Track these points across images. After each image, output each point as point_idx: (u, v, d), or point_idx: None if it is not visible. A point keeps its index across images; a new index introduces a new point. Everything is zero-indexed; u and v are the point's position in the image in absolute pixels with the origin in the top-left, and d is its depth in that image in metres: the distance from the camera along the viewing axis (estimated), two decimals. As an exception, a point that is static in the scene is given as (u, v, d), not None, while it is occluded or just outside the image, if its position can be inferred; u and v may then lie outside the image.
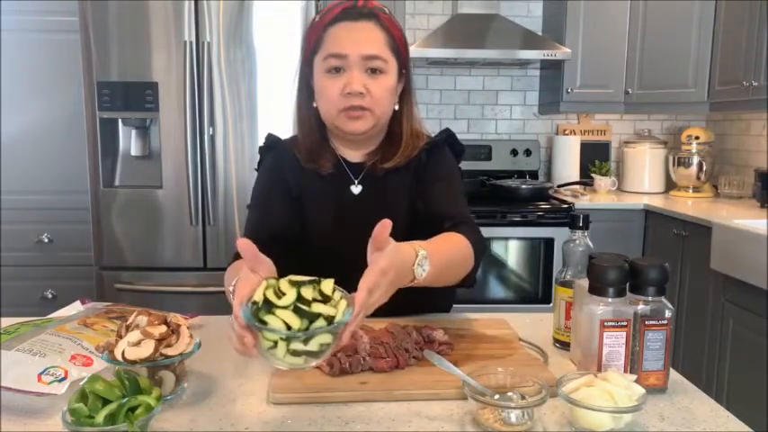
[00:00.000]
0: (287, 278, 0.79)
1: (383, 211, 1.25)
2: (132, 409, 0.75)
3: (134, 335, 0.88)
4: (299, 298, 0.75)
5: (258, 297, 0.76)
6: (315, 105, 1.24)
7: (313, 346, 0.74)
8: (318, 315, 0.74)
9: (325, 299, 0.77)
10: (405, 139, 1.26)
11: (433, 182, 1.26)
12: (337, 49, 1.16)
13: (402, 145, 1.26)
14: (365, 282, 0.79)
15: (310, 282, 0.78)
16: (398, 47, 1.21)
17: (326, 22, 1.19)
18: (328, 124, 1.25)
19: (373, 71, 1.18)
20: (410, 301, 1.14)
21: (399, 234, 1.24)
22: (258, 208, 1.29)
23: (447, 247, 1.06)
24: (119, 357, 0.86)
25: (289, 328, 0.73)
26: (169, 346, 0.89)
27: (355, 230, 1.11)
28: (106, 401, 0.75)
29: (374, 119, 1.20)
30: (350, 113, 1.18)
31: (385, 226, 0.82)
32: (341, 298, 0.78)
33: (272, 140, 1.35)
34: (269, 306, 0.75)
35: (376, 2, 1.22)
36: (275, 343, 0.75)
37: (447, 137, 1.33)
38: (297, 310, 0.74)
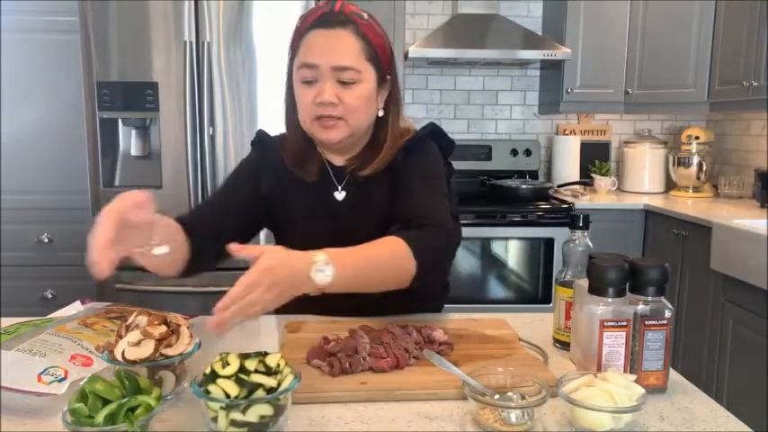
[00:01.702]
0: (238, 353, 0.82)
1: (367, 217, 1.23)
2: (132, 409, 0.75)
3: (134, 335, 0.88)
4: (242, 369, 0.78)
5: (207, 369, 0.79)
6: None
7: (253, 416, 0.76)
8: (259, 385, 0.77)
9: (269, 371, 0.79)
10: (386, 147, 1.23)
11: (405, 181, 1.22)
12: (309, 59, 1.15)
13: (382, 152, 1.23)
14: (242, 279, 0.81)
15: (256, 354, 0.81)
16: (377, 54, 1.18)
17: (304, 29, 1.17)
18: (306, 132, 1.23)
19: (345, 83, 1.16)
20: (392, 301, 1.14)
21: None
22: (218, 194, 1.29)
23: (367, 252, 1.01)
24: (119, 357, 0.86)
25: (228, 397, 0.76)
26: (169, 346, 0.89)
27: (340, 237, 1.08)
28: (106, 401, 0.75)
29: (348, 128, 1.18)
30: (323, 123, 1.17)
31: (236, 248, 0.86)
32: (290, 372, 0.80)
33: (260, 137, 1.34)
34: (213, 376, 0.78)
35: (354, 7, 1.19)
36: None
37: (430, 132, 1.29)
38: (237, 380, 0.77)
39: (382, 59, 1.20)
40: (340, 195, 1.26)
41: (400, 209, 1.18)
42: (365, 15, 1.19)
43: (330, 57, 1.14)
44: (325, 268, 0.90)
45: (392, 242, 1.04)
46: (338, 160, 1.28)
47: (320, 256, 0.91)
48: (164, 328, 0.90)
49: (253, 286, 0.81)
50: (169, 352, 0.88)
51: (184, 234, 1.11)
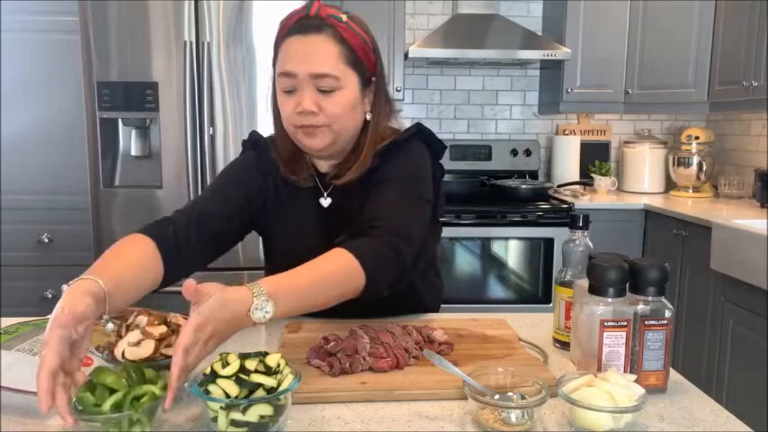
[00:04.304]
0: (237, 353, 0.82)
1: (351, 224, 1.16)
2: (138, 398, 0.76)
3: (134, 335, 0.89)
4: (242, 369, 0.78)
5: (208, 369, 0.80)
6: None
7: (253, 416, 0.76)
8: (259, 385, 0.77)
9: (269, 371, 0.79)
10: (364, 153, 1.19)
11: (378, 185, 1.16)
12: (287, 68, 1.12)
13: (361, 158, 1.19)
14: (180, 343, 0.78)
15: (256, 354, 0.81)
16: (358, 57, 1.14)
17: (282, 35, 1.14)
18: (291, 138, 1.20)
19: (325, 91, 1.12)
20: (390, 302, 1.13)
21: None
22: (210, 190, 1.25)
23: (313, 273, 0.96)
24: (119, 357, 0.86)
25: (228, 397, 0.76)
26: (169, 346, 0.89)
27: (325, 245, 1.07)
28: (113, 391, 0.77)
29: (332, 134, 1.15)
30: (305, 130, 1.14)
31: (188, 287, 0.81)
32: (290, 372, 0.81)
33: (256, 138, 1.31)
34: (213, 376, 0.78)
35: (332, 9, 1.14)
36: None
37: (416, 133, 1.23)
38: (237, 380, 0.77)
39: (365, 62, 1.16)
40: (326, 202, 1.24)
41: (362, 213, 1.13)
42: (343, 17, 1.14)
43: (307, 64, 1.10)
44: (264, 305, 0.86)
45: (339, 256, 1.00)
46: (324, 166, 1.25)
47: (259, 290, 0.87)
48: (164, 328, 0.90)
49: (191, 346, 0.78)
50: (169, 352, 0.88)
51: (158, 258, 1.08)
